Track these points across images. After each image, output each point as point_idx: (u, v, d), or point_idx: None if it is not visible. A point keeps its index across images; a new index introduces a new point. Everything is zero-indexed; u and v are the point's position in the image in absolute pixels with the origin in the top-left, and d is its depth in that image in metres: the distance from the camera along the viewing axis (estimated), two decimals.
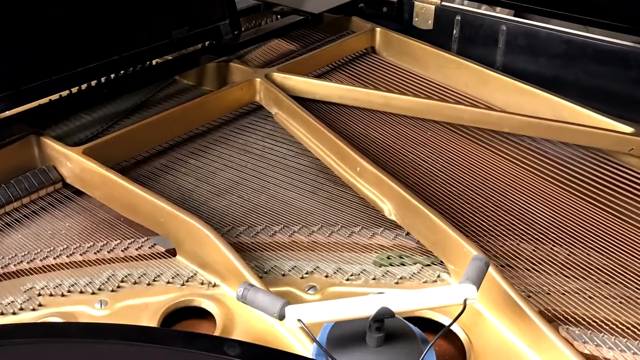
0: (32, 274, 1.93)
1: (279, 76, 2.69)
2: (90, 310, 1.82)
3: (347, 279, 1.90)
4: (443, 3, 3.06)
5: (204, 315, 1.84)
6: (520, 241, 2.00)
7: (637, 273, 1.89)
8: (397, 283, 1.89)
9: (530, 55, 2.81)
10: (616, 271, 1.90)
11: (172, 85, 2.86)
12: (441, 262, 1.95)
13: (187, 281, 1.90)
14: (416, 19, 3.12)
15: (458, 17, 2.99)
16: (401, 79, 2.85)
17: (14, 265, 1.96)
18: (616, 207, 2.10)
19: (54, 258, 1.97)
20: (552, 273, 1.89)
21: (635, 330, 1.71)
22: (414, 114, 2.57)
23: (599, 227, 2.05)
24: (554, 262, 1.93)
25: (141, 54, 2.59)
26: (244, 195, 2.22)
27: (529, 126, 2.40)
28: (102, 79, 2.50)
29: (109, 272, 1.92)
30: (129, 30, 2.59)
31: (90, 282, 1.89)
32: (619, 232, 2.03)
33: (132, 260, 1.97)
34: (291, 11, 3.22)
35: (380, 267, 1.94)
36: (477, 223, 2.07)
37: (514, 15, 3.10)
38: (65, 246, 2.01)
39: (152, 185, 2.24)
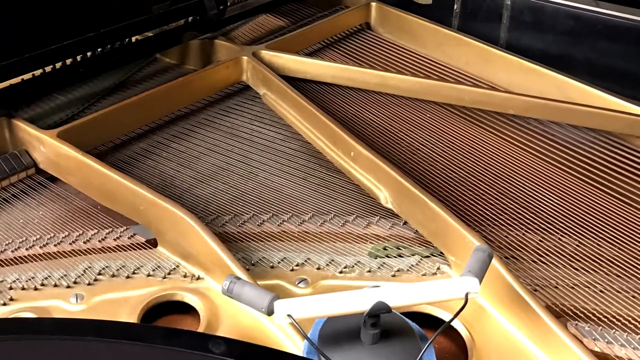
0: (2, 266, 1.92)
1: (267, 54, 2.68)
2: (65, 305, 1.81)
3: (341, 272, 1.89)
4: None
5: (187, 310, 1.83)
6: (526, 231, 2.00)
7: None
8: (394, 276, 1.88)
9: (536, 31, 2.80)
10: (629, 263, 1.89)
11: (152, 64, 2.85)
12: (441, 253, 1.94)
13: (169, 274, 1.89)
14: None
15: None
16: (398, 57, 2.84)
17: None
18: (628, 195, 2.10)
19: (27, 249, 1.96)
20: (560, 265, 1.89)
21: None
22: (412, 95, 2.57)
23: (610, 215, 2.05)
24: (562, 253, 1.92)
25: (120, 30, 2.57)
26: (230, 182, 2.21)
27: (534, 107, 2.39)
28: (78, 57, 2.48)
29: (85, 264, 1.91)
30: (106, 5, 2.56)
31: (65, 275, 1.88)
32: (631, 221, 2.03)
33: (110, 252, 1.96)
34: None
35: (376, 258, 1.93)
36: (479, 211, 2.06)
37: None
38: (38, 236, 2.00)
39: (132, 171, 2.23)
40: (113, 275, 1.88)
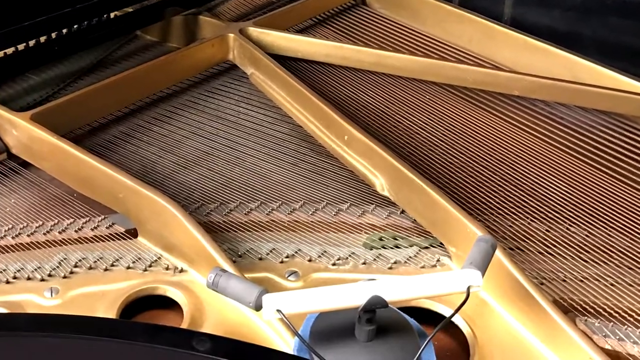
0: None
1: (255, 31, 2.67)
2: (39, 300, 1.80)
3: (334, 264, 1.89)
4: None
5: (170, 305, 1.82)
6: (531, 220, 1.99)
7: None
8: (390, 268, 1.88)
9: (542, 7, 2.80)
10: None
11: (133, 41, 2.85)
12: (441, 244, 1.94)
13: (150, 266, 1.88)
14: None
15: None
16: (395, 34, 2.83)
17: None
18: None
19: None
20: (569, 257, 1.88)
21: None
22: (410, 75, 2.56)
23: (621, 203, 2.04)
24: (571, 244, 1.92)
25: (97, 5, 2.56)
26: (215, 168, 2.20)
27: (541, 88, 2.39)
28: (53, 35, 2.47)
29: (60, 255, 1.91)
30: None
31: (39, 267, 1.87)
32: None
33: (87, 242, 1.95)
34: None
35: (371, 249, 1.93)
36: (482, 199, 2.06)
37: None
38: (10, 226, 1.99)
39: (110, 156, 2.22)
40: (90, 268, 1.87)
